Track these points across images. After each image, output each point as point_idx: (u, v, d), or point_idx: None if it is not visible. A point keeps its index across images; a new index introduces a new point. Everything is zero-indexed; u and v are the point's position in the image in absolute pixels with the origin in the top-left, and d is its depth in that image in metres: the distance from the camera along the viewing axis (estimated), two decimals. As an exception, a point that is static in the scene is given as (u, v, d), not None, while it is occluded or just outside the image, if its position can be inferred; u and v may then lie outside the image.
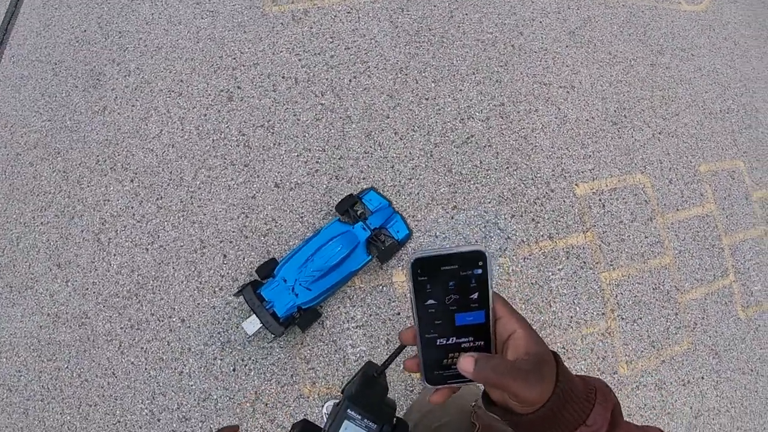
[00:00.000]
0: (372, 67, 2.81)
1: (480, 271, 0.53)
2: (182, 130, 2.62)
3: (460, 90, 2.83)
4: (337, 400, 0.67)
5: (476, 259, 0.52)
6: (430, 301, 0.53)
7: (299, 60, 2.79)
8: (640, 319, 2.68)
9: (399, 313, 2.42)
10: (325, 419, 2.16)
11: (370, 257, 2.32)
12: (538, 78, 2.95)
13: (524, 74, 2.95)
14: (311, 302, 2.20)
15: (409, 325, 0.59)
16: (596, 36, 3.19)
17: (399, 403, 2.32)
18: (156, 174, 2.54)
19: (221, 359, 2.30)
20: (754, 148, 3.29)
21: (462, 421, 1.01)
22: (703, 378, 2.72)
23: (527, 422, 0.52)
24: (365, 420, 0.65)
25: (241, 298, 2.22)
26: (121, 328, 2.34)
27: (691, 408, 2.66)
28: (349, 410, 0.64)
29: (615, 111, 3.01)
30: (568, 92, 2.97)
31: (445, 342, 0.55)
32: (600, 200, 2.79)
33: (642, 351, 2.64)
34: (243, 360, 2.30)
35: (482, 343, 0.56)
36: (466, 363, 0.52)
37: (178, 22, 2.85)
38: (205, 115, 2.65)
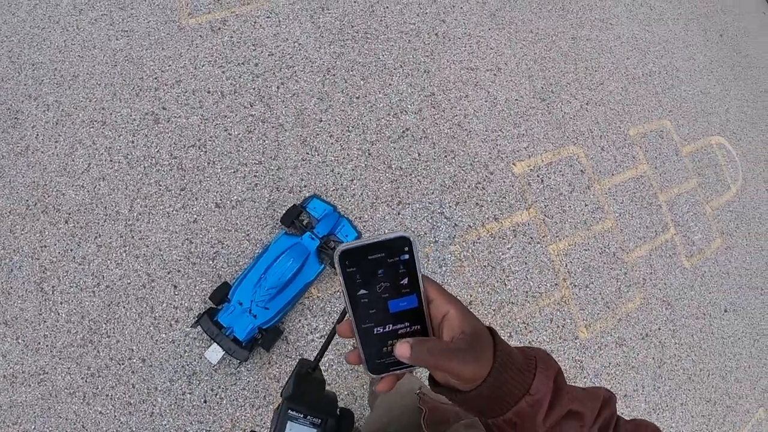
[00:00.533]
0: (299, 71, 2.76)
1: (407, 256, 0.54)
2: (111, 160, 2.51)
3: (390, 84, 2.82)
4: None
5: (401, 245, 0.54)
6: (362, 291, 0.54)
7: (223, 72, 2.71)
8: (592, 283, 2.78)
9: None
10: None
11: (323, 266, 2.31)
12: (465, 64, 2.98)
13: (451, 61, 2.97)
14: (271, 321, 2.19)
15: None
16: (516, 16, 3.23)
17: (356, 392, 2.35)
18: (90, 211, 2.44)
19: (190, 393, 2.25)
20: (679, 105, 3.44)
21: (411, 407, 1.06)
22: (659, 329, 2.86)
23: (471, 399, 0.53)
24: (308, 417, 0.65)
25: (200, 328, 2.18)
26: (82, 378, 2.25)
27: (653, 359, 2.80)
28: (290, 411, 0.64)
29: (542, 87, 3.07)
30: (495, 75, 3.01)
31: (382, 330, 0.56)
32: (538, 176, 2.86)
33: (598, 313, 2.75)
34: (213, 390, 2.26)
35: (418, 327, 0.56)
36: (402, 349, 0.52)
37: (92, 47, 2.71)
38: (133, 141, 2.55)
